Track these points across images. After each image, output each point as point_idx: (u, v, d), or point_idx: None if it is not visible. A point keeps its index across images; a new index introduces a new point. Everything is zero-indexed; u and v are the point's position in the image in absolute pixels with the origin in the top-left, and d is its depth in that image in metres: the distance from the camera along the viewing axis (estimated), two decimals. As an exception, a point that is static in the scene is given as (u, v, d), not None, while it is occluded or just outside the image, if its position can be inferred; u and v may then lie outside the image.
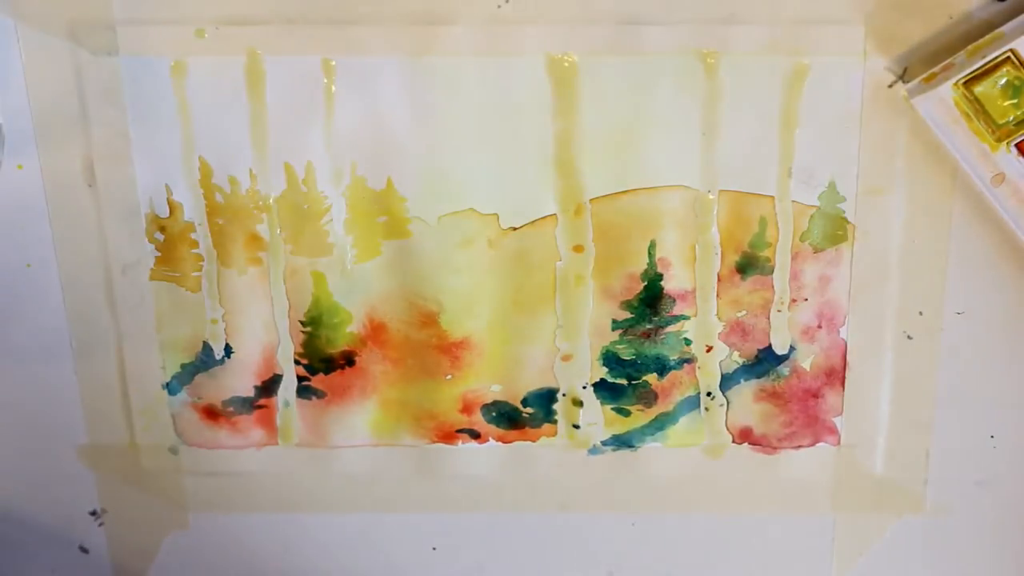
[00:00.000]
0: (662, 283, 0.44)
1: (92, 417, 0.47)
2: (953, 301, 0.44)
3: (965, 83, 0.39)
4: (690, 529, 0.48)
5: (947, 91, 0.39)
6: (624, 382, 0.46)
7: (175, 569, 0.50)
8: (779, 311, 0.44)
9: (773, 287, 0.44)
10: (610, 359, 0.46)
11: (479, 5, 0.41)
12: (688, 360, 0.45)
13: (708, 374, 0.46)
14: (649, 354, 0.45)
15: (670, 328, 0.45)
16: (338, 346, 0.46)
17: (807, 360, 0.45)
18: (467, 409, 0.47)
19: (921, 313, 0.44)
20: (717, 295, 0.44)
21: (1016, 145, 0.40)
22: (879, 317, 0.44)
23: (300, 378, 0.46)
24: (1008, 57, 0.39)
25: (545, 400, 0.46)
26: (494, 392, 0.46)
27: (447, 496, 0.48)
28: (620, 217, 0.43)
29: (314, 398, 0.47)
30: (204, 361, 0.46)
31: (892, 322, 0.44)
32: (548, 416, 0.47)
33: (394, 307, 0.45)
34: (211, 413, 0.47)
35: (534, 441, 0.47)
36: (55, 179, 0.44)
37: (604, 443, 0.47)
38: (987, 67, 0.39)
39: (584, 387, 0.46)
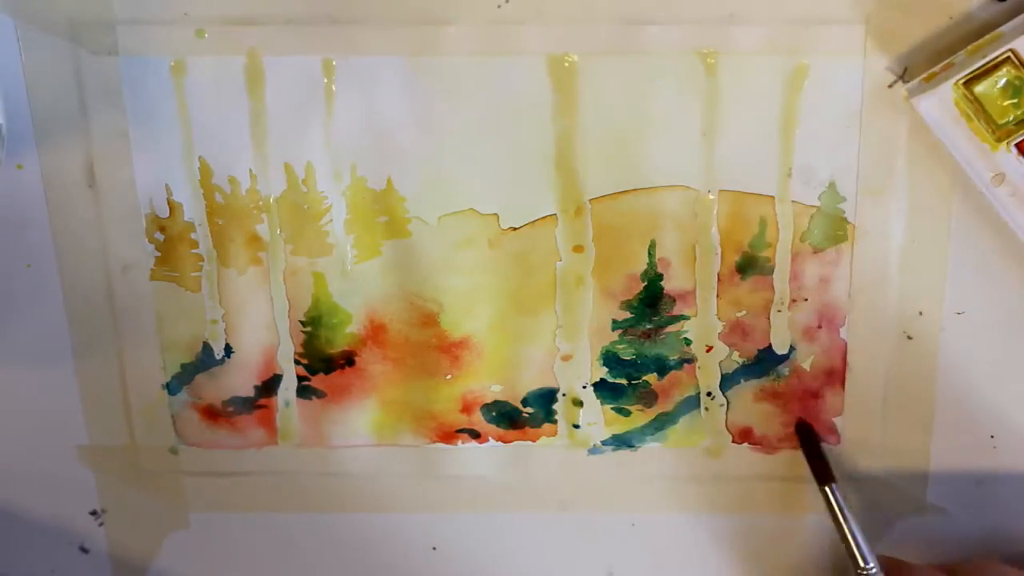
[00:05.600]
0: (662, 283, 0.44)
1: (92, 417, 0.47)
2: (953, 301, 0.44)
3: (965, 83, 0.39)
4: (690, 529, 0.48)
5: (947, 91, 0.39)
6: (624, 382, 0.46)
7: (175, 569, 0.50)
8: (779, 311, 0.44)
9: (773, 287, 0.44)
10: (610, 359, 0.46)
11: (479, 5, 0.41)
12: (688, 360, 0.45)
13: (708, 374, 0.46)
14: (649, 354, 0.45)
15: (670, 328, 0.45)
16: (338, 346, 0.46)
17: (807, 360, 0.45)
18: (467, 409, 0.47)
19: (921, 313, 0.44)
20: (717, 295, 0.44)
21: (1016, 145, 0.40)
22: (879, 317, 0.44)
23: (300, 378, 0.46)
24: (1008, 57, 0.38)
25: (545, 400, 0.46)
26: (494, 392, 0.46)
27: (447, 496, 0.48)
28: (620, 217, 0.43)
29: (314, 398, 0.47)
30: (204, 361, 0.46)
31: (892, 322, 0.44)
32: (548, 416, 0.47)
33: (394, 307, 0.45)
34: (211, 413, 0.47)
35: (534, 441, 0.47)
36: (55, 179, 0.44)
37: (604, 443, 0.47)
38: (987, 67, 0.39)
39: (584, 387, 0.46)
